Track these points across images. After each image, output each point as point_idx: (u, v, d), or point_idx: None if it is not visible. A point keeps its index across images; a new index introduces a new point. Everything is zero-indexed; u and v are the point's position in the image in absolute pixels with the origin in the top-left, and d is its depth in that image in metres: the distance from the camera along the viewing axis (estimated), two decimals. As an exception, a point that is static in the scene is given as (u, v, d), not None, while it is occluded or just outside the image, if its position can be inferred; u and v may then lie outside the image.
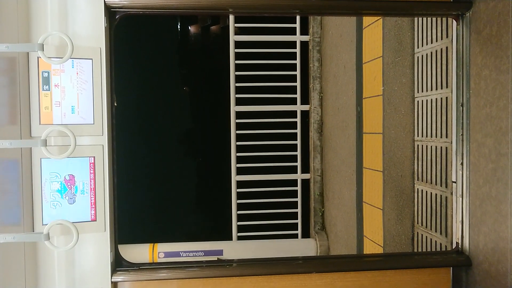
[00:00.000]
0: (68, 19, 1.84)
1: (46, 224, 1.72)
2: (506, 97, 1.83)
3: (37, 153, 1.81)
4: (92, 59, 1.85)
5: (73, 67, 1.84)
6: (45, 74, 1.82)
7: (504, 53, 1.83)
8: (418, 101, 2.97)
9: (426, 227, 2.86)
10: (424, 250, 2.90)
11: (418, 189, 2.97)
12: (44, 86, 1.82)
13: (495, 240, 1.89)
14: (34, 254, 1.84)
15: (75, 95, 1.84)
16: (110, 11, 1.91)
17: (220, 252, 4.91)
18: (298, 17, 5.28)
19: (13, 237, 1.64)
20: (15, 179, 1.76)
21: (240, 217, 5.24)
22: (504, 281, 1.84)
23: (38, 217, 1.82)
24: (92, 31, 1.85)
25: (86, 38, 1.85)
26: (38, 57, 1.79)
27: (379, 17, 3.55)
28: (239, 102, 5.20)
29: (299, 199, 5.36)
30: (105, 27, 1.86)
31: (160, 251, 4.85)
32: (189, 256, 4.85)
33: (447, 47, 2.59)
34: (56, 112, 1.83)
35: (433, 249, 2.77)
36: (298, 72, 5.28)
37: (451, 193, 2.50)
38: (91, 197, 1.87)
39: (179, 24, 6.23)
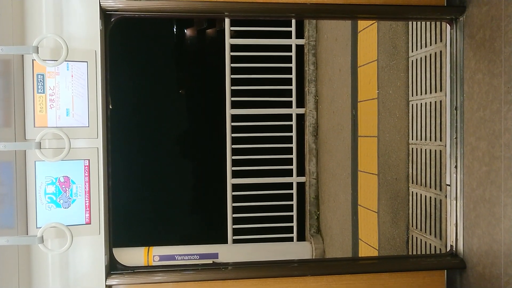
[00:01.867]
0: (63, 21, 1.84)
1: (40, 227, 1.71)
2: (499, 100, 1.84)
3: (32, 156, 1.80)
4: (87, 61, 1.85)
5: (68, 70, 1.83)
6: (40, 77, 1.81)
7: (497, 57, 1.85)
8: (412, 105, 2.99)
9: (421, 230, 2.87)
10: (418, 253, 2.90)
11: (412, 192, 2.98)
12: (39, 88, 1.82)
13: (488, 243, 1.90)
14: (28, 257, 1.82)
15: (70, 97, 1.84)
16: (105, 14, 1.91)
17: (215, 256, 4.90)
18: (293, 21, 5.30)
19: (7, 240, 1.63)
20: (9, 181, 1.75)
21: (235, 220, 5.23)
22: (497, 284, 1.85)
23: (32, 220, 1.81)
24: (87, 34, 1.85)
25: (81, 40, 1.85)
26: (33, 60, 1.79)
27: (374, 21, 3.58)
28: (234, 105, 5.20)
29: (294, 202, 5.36)
30: (100, 30, 1.86)
31: (155, 254, 4.83)
32: (184, 260, 4.83)
33: (441, 51, 2.61)
34: (50, 115, 1.83)
35: (428, 252, 2.78)
36: (293, 76, 5.30)
37: (445, 196, 2.51)
38: (85, 200, 1.86)
39: (175, 27, 6.23)
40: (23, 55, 1.78)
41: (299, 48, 5.38)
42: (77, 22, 1.85)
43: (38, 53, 1.68)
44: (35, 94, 1.81)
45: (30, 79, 1.81)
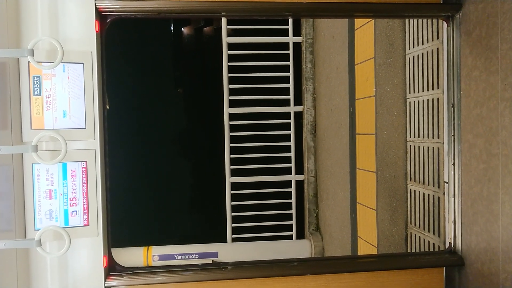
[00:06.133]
0: (59, 23, 1.83)
1: (38, 230, 1.71)
2: (496, 97, 1.84)
3: (29, 158, 1.79)
4: (83, 63, 1.85)
5: (64, 71, 1.83)
6: (36, 79, 1.81)
7: (494, 54, 1.85)
8: (410, 102, 2.99)
9: (419, 227, 2.88)
10: (417, 250, 2.91)
11: (411, 189, 2.99)
12: (35, 90, 1.81)
13: (487, 240, 1.91)
14: (27, 260, 1.82)
15: (66, 99, 1.84)
16: (101, 15, 1.91)
17: (215, 254, 4.90)
18: (290, 19, 5.29)
19: (5, 244, 1.63)
20: (7, 184, 1.74)
21: (234, 219, 5.23)
22: (496, 280, 1.85)
23: (30, 222, 1.80)
24: (83, 35, 1.85)
25: (77, 42, 1.85)
26: (28, 62, 1.78)
27: (370, 19, 3.57)
28: (232, 103, 5.20)
29: (293, 200, 5.36)
30: (96, 31, 1.85)
31: (154, 254, 4.83)
32: (184, 259, 4.83)
33: (438, 49, 2.61)
34: (47, 117, 1.82)
35: (426, 249, 2.78)
36: (291, 74, 5.29)
37: (444, 193, 2.51)
38: (83, 202, 1.86)
39: (172, 26, 6.22)
40: (19, 57, 1.78)
41: (297, 46, 5.37)
42: (73, 24, 1.84)
43: (33, 55, 1.67)
44: (31, 96, 1.81)
45: (26, 81, 1.80)
